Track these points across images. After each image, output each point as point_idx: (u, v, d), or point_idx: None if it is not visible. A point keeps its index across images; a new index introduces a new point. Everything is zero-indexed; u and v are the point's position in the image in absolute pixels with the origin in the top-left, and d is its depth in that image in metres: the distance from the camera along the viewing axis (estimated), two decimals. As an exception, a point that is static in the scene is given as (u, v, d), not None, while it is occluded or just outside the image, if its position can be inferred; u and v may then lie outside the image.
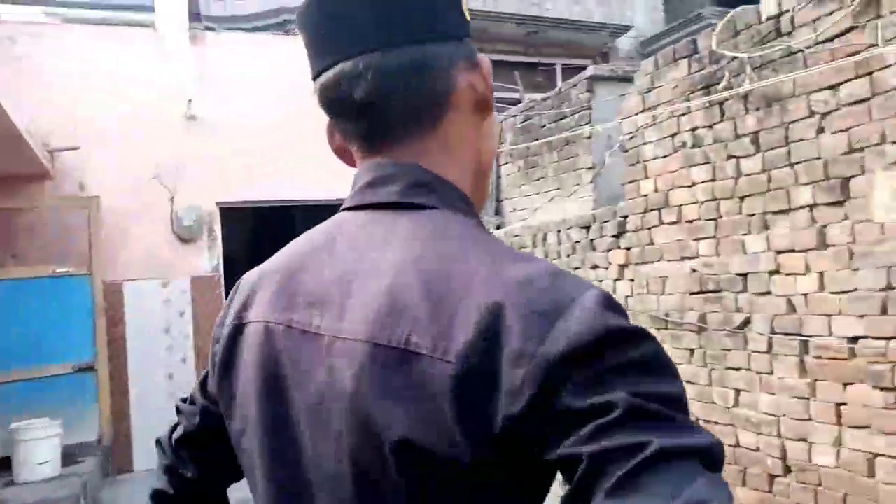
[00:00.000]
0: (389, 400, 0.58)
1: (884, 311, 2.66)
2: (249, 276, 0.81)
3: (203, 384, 0.88)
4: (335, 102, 0.72)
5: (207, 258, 6.94)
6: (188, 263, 6.81)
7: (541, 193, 5.27)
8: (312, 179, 7.26)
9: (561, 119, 4.84)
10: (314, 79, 0.73)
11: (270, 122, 7.22)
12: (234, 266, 10.15)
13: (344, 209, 0.76)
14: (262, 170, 7.11)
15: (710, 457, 0.51)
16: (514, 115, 5.59)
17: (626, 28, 8.50)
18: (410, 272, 0.62)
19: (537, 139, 5.16)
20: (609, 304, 0.57)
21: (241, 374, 0.74)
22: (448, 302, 0.59)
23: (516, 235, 5.20)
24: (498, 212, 5.68)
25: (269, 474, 0.70)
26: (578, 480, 0.51)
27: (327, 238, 0.73)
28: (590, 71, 4.78)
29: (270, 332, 0.71)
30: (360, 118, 0.71)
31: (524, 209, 5.46)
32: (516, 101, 7.78)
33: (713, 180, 3.49)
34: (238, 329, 0.76)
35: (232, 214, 7.86)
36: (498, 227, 5.37)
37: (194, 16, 7.16)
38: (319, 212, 8.95)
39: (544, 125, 5.14)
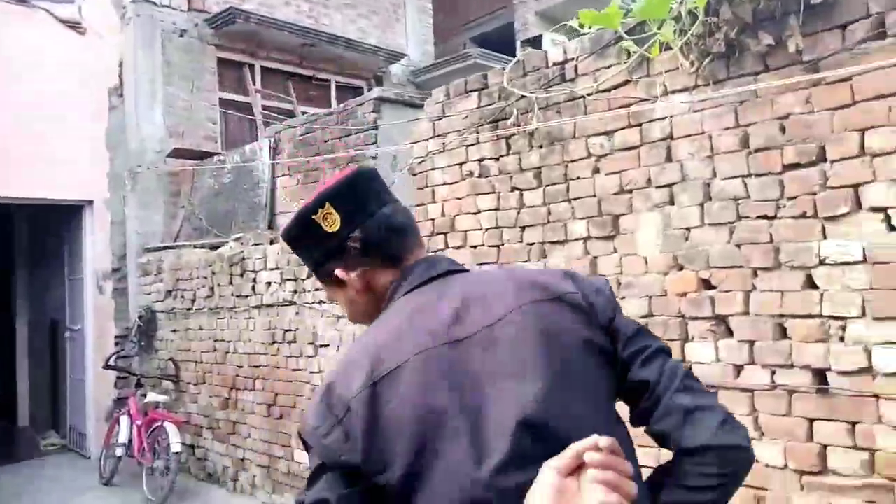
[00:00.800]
0: (567, 320, 1.05)
1: (645, 335, 3.00)
2: (349, 372, 1.00)
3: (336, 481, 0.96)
4: (384, 233, 1.14)
5: None
6: None
7: (319, 209, 5.10)
8: (39, 178, 6.29)
9: (346, 136, 4.77)
10: (350, 233, 1.12)
11: (-7, 103, 6.12)
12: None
13: (406, 294, 1.11)
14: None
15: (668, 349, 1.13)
16: (294, 127, 5.39)
17: (401, 55, 8.74)
18: (511, 278, 1.11)
19: (318, 154, 5.03)
20: None
21: (404, 405, 0.95)
22: (549, 278, 1.11)
23: (291, 252, 4.97)
24: (272, 226, 5.40)
25: (499, 424, 0.93)
26: (630, 360, 1.08)
27: (417, 305, 1.08)
28: (376, 92, 4.79)
29: (434, 355, 0.99)
30: (401, 237, 1.16)
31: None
32: (290, 112, 7.54)
33: (497, 209, 3.68)
34: (374, 390, 0.96)
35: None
36: (272, 243, 5.10)
37: None
38: (44, 214, 7.69)
39: (327, 140, 5.03)
